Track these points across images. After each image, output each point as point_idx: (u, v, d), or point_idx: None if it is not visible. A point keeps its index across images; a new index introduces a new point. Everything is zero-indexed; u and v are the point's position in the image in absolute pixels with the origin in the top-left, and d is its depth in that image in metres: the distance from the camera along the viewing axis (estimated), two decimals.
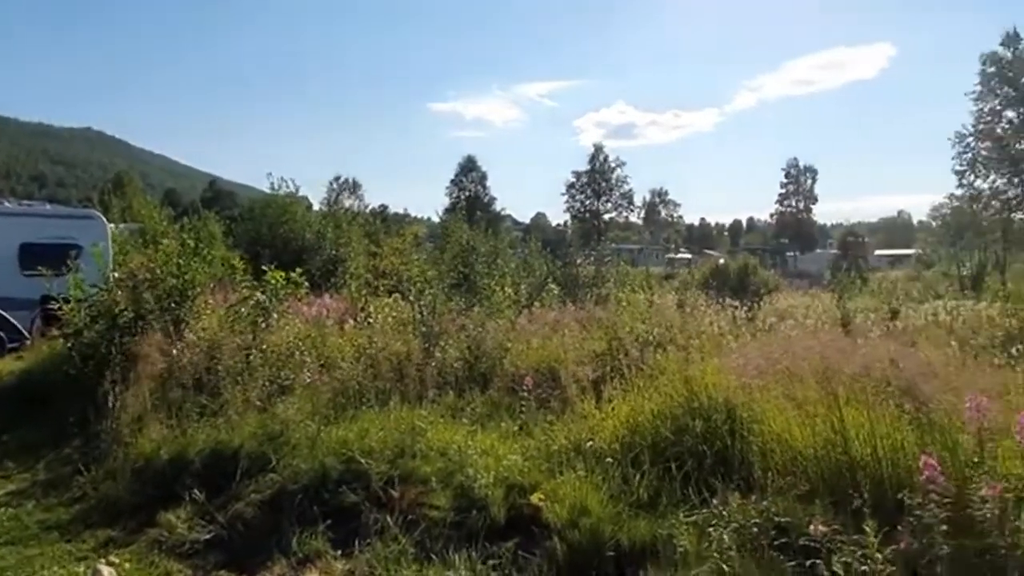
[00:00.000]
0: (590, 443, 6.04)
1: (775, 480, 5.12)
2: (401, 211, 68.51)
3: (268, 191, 23.06)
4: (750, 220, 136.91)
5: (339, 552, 5.49)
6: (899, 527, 4.18)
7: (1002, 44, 45.57)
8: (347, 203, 58.53)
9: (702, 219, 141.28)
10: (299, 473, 6.32)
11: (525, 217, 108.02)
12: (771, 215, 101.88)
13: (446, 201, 75.43)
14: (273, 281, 9.89)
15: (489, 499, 5.52)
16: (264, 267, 10.23)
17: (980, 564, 3.90)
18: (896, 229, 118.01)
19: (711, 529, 4.52)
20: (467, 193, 76.63)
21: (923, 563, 3.99)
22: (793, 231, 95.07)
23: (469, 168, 78.22)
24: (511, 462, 5.92)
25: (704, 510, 4.80)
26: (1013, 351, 9.85)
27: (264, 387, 7.89)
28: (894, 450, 4.92)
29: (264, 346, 8.68)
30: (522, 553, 5.03)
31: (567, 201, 79.57)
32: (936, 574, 3.91)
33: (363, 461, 6.20)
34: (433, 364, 8.28)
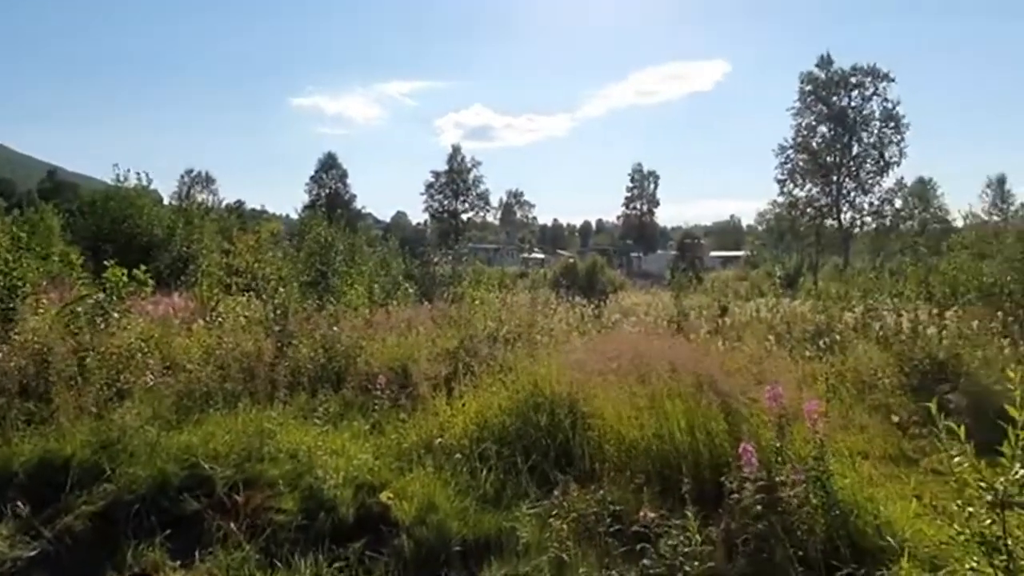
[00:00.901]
0: (440, 440, 6.19)
1: (611, 470, 5.50)
2: (258, 207, 65.87)
3: (113, 183, 21.61)
4: (599, 222, 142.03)
5: (178, 563, 5.29)
6: (720, 509, 4.63)
7: (817, 65, 49.97)
8: (200, 198, 55.47)
9: (555, 220, 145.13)
10: (136, 482, 6.03)
11: (386, 216, 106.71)
12: (618, 217, 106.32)
13: (305, 198, 73.42)
14: (113, 279, 9.34)
15: (338, 500, 5.53)
16: (106, 264, 9.65)
17: (786, 540, 4.38)
18: (728, 232, 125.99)
19: (552, 519, 4.78)
20: (327, 190, 74.77)
21: (739, 541, 4.45)
22: (638, 232, 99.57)
23: (329, 165, 76.33)
24: (362, 461, 5.96)
25: (546, 501, 5.07)
26: (820, 344, 10.98)
27: (100, 392, 7.45)
28: (710, 439, 5.40)
29: (102, 348, 8.19)
30: (370, 553, 5.08)
31: (426, 200, 79.43)
32: (750, 551, 4.37)
33: (207, 466, 6.03)
34: (285, 364, 8.14)
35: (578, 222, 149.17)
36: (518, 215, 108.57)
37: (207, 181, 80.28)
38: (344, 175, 76.79)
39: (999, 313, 11.50)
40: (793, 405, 5.25)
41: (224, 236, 22.42)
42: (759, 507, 4.33)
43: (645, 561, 4.11)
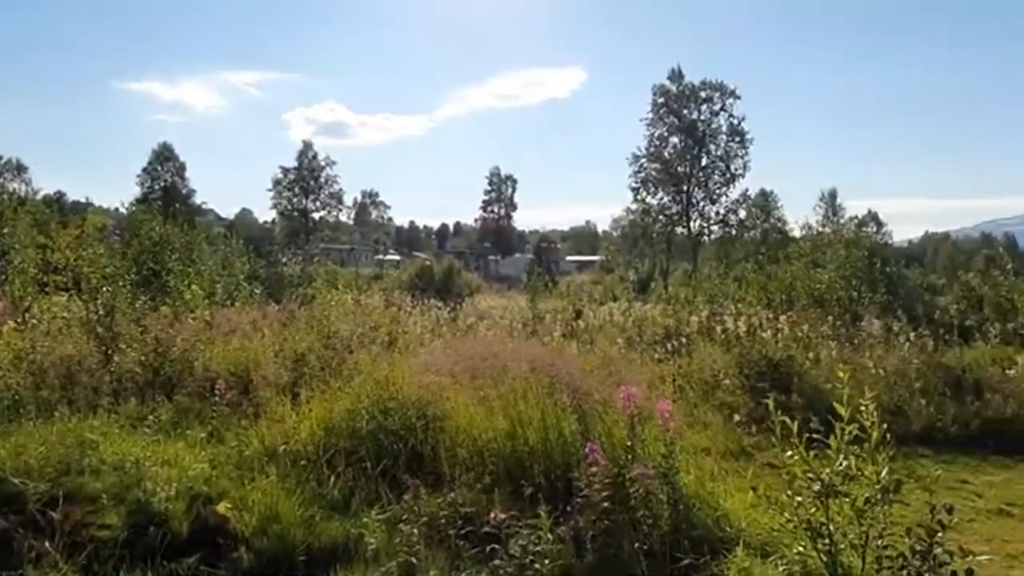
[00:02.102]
0: (285, 447, 5.89)
1: (463, 472, 5.42)
2: (82, 199, 60.86)
3: None
4: (457, 224, 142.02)
5: None
6: (569, 507, 4.65)
7: (669, 79, 52.38)
8: (11, 187, 50.65)
9: (412, 222, 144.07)
10: None
11: (230, 212, 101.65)
12: (475, 220, 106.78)
13: (137, 191, 68.56)
14: None
15: (170, 513, 5.13)
16: None
17: (633, 534, 4.45)
18: (584, 237, 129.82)
19: (402, 524, 4.64)
20: (162, 183, 70.15)
21: (588, 537, 4.48)
22: (495, 236, 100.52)
23: (165, 156, 71.53)
24: (197, 471, 5.56)
25: (396, 506, 4.92)
26: (669, 346, 11.43)
27: None
28: (562, 439, 5.44)
29: None
30: (205, 567, 4.74)
31: (274, 198, 76.24)
32: (599, 546, 4.40)
33: (17, 482, 5.42)
34: (111, 369, 7.51)
35: (435, 224, 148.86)
36: (373, 216, 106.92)
37: (18, 169, 73.23)
38: (182, 167, 72.17)
39: (829, 317, 12.40)
40: (643, 405, 5.37)
41: (41, 230, 20.52)
42: (607, 503, 4.38)
43: (495, 561, 4.05)
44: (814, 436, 4.02)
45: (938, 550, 3.68)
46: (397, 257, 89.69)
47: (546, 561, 3.94)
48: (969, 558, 3.68)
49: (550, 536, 4.10)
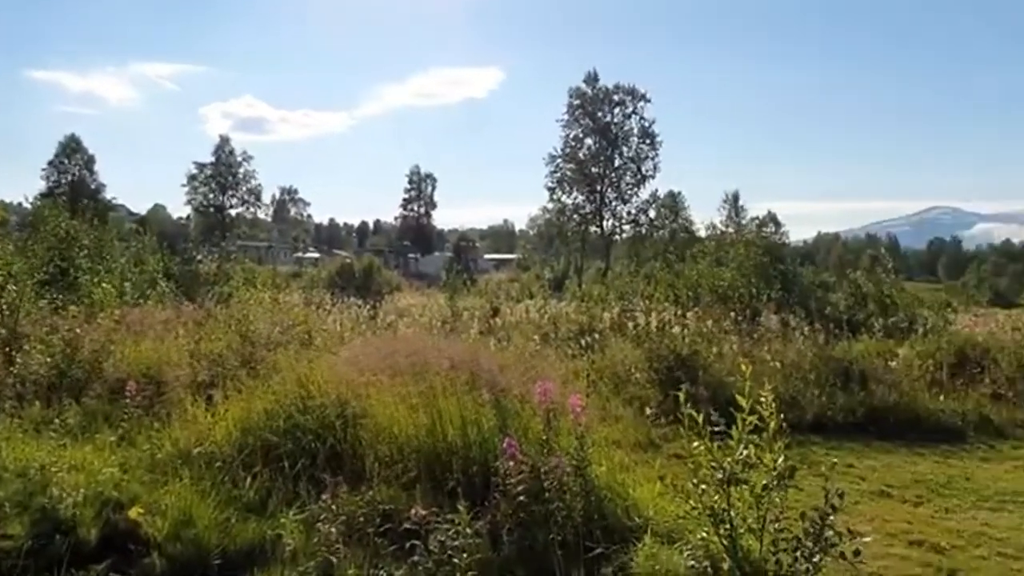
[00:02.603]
0: (199, 449, 5.82)
1: (383, 470, 5.49)
2: None
3: None
4: (377, 222, 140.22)
5: None
6: (487, 502, 4.79)
7: (585, 81, 53.29)
8: None
9: (331, 219, 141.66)
10: None
11: (142, 208, 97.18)
12: (396, 218, 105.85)
13: (42, 185, 64.89)
14: None
15: (78, 520, 5.00)
16: None
17: (549, 526, 4.62)
18: (502, 235, 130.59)
19: (320, 524, 4.67)
20: (70, 177, 66.62)
21: (505, 530, 4.63)
22: (415, 234, 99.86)
23: (73, 149, 67.88)
24: (107, 476, 5.44)
25: (314, 506, 4.94)
26: (583, 342, 11.74)
27: None
28: (481, 434, 5.58)
29: None
30: (115, 575, 4.67)
31: (189, 193, 73.56)
32: (515, 539, 4.56)
33: None
34: (13, 372, 7.21)
35: (355, 222, 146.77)
36: (292, 213, 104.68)
37: None
38: (91, 161, 68.86)
39: (731, 313, 12.97)
40: (558, 399, 5.55)
41: None
42: (524, 497, 4.54)
43: (414, 558, 4.14)
44: (716, 427, 4.27)
45: (829, 532, 3.99)
46: (317, 255, 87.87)
47: (464, 555, 4.06)
48: (856, 539, 4.00)
49: (468, 531, 4.21)
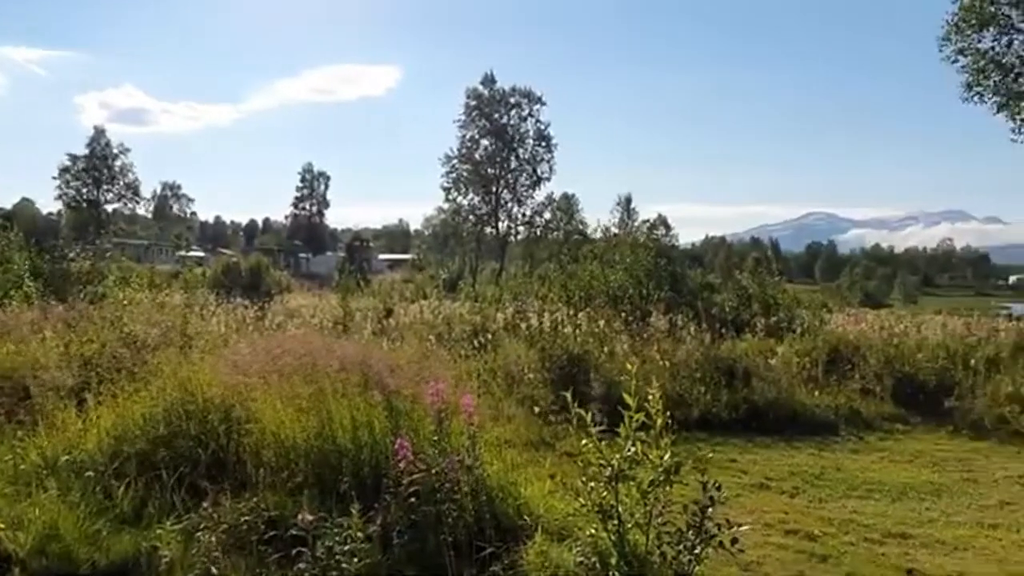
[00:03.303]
0: (68, 457, 5.46)
1: (269, 476, 5.30)
2: None
3: None
4: (266, 221, 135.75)
5: None
6: (378, 504, 4.70)
7: (482, 83, 53.48)
8: None
9: (217, 217, 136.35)
10: None
11: (7, 202, 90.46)
12: (286, 217, 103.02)
13: None
14: None
15: None
16: None
17: (439, 527, 4.58)
18: (397, 236, 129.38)
19: (200, 534, 4.47)
20: None
21: (396, 532, 4.56)
22: (307, 233, 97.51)
23: None
24: None
25: (194, 515, 4.73)
26: (476, 343, 11.75)
27: None
28: (372, 436, 5.48)
29: None
30: None
31: (60, 187, 69.11)
32: (406, 541, 4.50)
33: None
34: None
35: (243, 220, 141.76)
36: (174, 209, 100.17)
37: None
38: None
39: (622, 313, 13.28)
40: (451, 400, 5.52)
41: None
42: (415, 498, 4.48)
43: (300, 565, 4.02)
44: (601, 425, 4.34)
45: (709, 524, 4.13)
46: (201, 254, 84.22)
47: (354, 560, 3.98)
48: (733, 529, 4.16)
49: (359, 535, 4.13)
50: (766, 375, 10.24)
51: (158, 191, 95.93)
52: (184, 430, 5.65)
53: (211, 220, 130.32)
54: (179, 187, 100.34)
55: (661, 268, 15.39)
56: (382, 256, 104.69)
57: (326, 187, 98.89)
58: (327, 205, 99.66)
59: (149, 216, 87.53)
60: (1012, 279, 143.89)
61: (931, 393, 10.31)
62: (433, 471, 4.65)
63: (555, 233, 54.09)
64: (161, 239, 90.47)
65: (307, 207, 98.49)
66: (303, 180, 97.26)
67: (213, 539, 4.35)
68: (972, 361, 10.91)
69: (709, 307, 14.19)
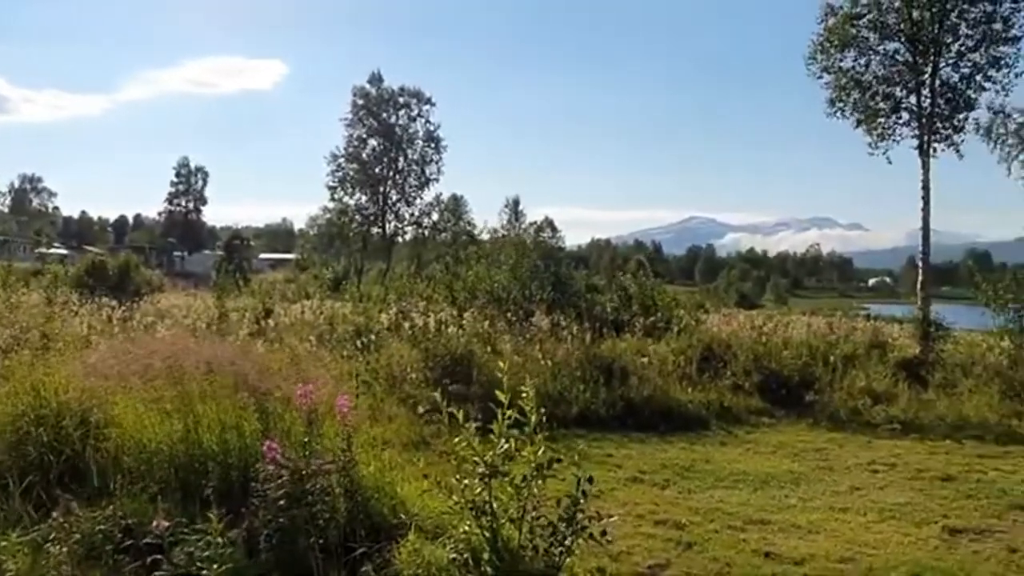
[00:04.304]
0: None
1: (129, 482, 5.03)
2: None
3: None
4: (138, 217, 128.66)
5: None
6: (245, 509, 4.54)
7: (369, 82, 52.70)
8: None
9: (83, 212, 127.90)
10: None
11: None
12: (160, 213, 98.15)
13: None
14: None
15: None
16: None
17: (308, 529, 4.48)
18: (280, 235, 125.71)
19: (50, 545, 4.19)
20: None
21: (264, 536, 4.42)
22: (182, 231, 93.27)
23: None
24: None
25: (43, 525, 4.43)
26: (359, 343, 11.59)
27: None
28: (242, 439, 5.30)
29: None
30: None
31: None
32: (273, 545, 4.37)
33: None
34: None
35: (113, 216, 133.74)
36: (35, 204, 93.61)
37: None
38: None
39: (507, 314, 13.42)
40: (329, 401, 5.42)
41: None
42: (283, 501, 4.36)
43: (157, 573, 3.84)
44: (478, 422, 4.36)
45: (580, 516, 4.22)
46: (64, 251, 78.93)
47: (214, 566, 3.83)
48: (604, 521, 4.27)
49: (220, 540, 3.98)
50: (643, 373, 10.59)
51: (16, 184, 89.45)
52: (35, 436, 5.28)
53: (76, 215, 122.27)
54: (40, 180, 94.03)
55: (543, 270, 15.63)
56: (264, 255, 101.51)
57: (204, 183, 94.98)
58: (205, 202, 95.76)
59: (6, 211, 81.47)
60: (871, 282, 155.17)
61: (794, 388, 10.94)
62: (304, 473, 4.54)
63: (443, 234, 53.99)
64: (19, 235, 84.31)
65: (183, 203, 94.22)
66: (179, 175, 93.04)
67: (64, 550, 4.08)
68: (831, 358, 11.66)
69: (592, 307, 14.53)
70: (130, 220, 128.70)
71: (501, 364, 4.50)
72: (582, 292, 15.69)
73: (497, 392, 4.33)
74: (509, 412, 4.29)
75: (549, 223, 77.07)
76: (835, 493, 7.12)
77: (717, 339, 12.64)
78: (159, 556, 3.81)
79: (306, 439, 4.86)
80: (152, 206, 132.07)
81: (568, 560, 4.29)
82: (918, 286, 16.21)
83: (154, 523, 3.89)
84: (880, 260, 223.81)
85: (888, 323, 18.14)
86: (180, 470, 5.14)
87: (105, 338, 9.81)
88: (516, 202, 75.18)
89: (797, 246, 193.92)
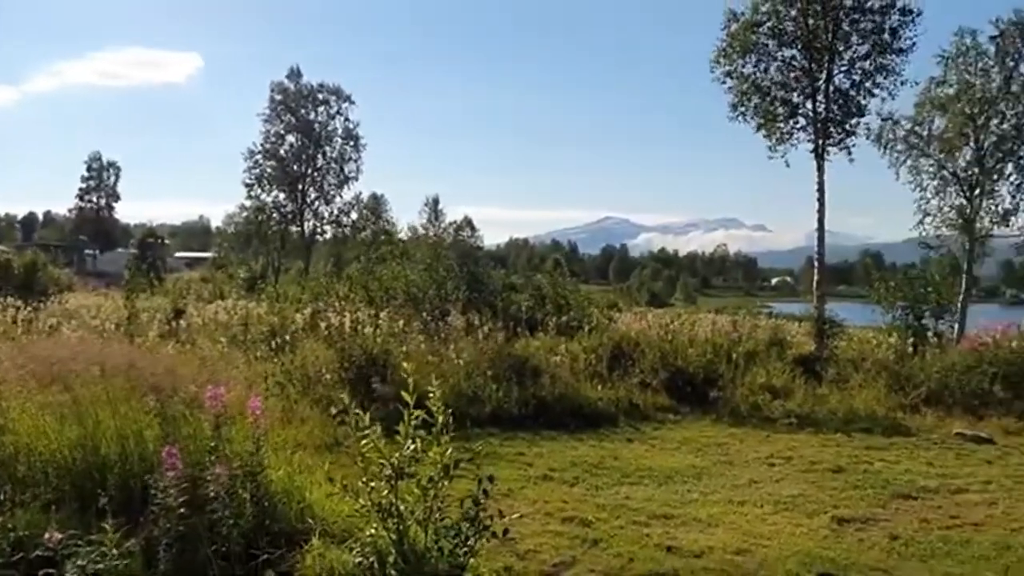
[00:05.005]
0: None
1: (20, 492, 4.86)
2: None
3: None
4: (48, 214, 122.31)
5: None
6: (144, 518, 4.46)
7: (287, 77, 51.56)
8: None
9: None
10: None
11: None
12: (70, 210, 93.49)
13: None
14: None
15: None
16: None
17: (209, 536, 4.44)
18: (196, 233, 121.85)
19: None
20: None
21: (163, 545, 4.35)
22: (94, 228, 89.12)
23: None
24: None
25: None
26: (274, 344, 11.43)
27: None
28: (143, 445, 5.20)
29: None
30: None
31: None
32: (173, 554, 4.31)
33: None
34: None
35: (21, 212, 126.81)
36: None
37: None
38: None
39: (423, 313, 13.43)
40: (241, 403, 5.36)
41: None
42: (184, 509, 4.31)
43: None
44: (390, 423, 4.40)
45: (482, 516, 4.32)
46: None
47: None
48: (506, 519, 4.38)
49: (115, 551, 3.91)
50: (555, 372, 10.77)
51: None
52: None
53: None
54: None
55: (460, 269, 15.68)
56: (180, 254, 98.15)
57: (116, 178, 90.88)
58: (117, 198, 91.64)
59: None
60: (774, 281, 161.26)
61: (699, 385, 11.33)
62: (207, 479, 4.50)
63: (363, 233, 53.28)
64: None
65: (95, 200, 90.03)
66: (90, 170, 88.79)
67: None
68: (734, 355, 12.10)
69: (508, 307, 14.67)
70: (40, 217, 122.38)
71: (406, 365, 4.55)
72: (499, 291, 15.81)
73: (402, 393, 4.39)
74: (417, 412, 4.34)
75: (468, 222, 77.12)
76: (734, 487, 7.43)
77: (627, 337, 12.92)
78: (51, 570, 3.72)
79: (212, 444, 4.80)
80: (63, 202, 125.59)
81: (473, 560, 4.38)
82: (814, 285, 17.04)
83: (47, 535, 3.80)
84: (782, 260, 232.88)
85: (788, 321, 18.90)
86: (76, 478, 5.00)
87: (6, 340, 9.43)
88: (436, 201, 74.84)
89: (706, 246, 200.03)
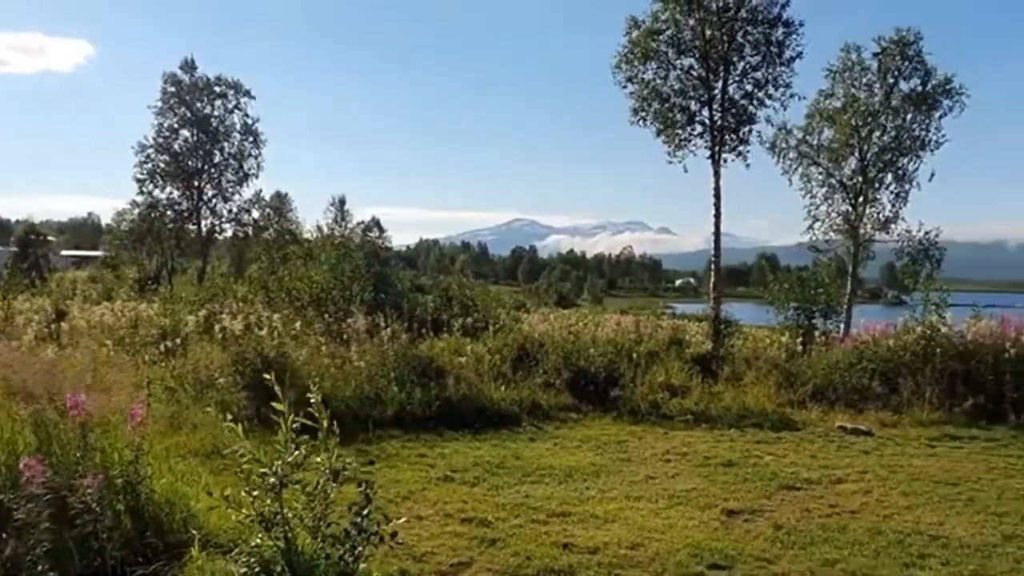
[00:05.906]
0: None
1: None
2: None
3: None
4: None
5: None
6: (5, 534, 4.16)
7: (181, 68, 49.48)
8: None
9: None
10: None
11: None
12: None
13: None
14: None
15: None
16: None
17: (82, 551, 4.19)
18: (86, 231, 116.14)
19: None
20: None
21: (28, 564, 4.07)
22: None
23: None
24: None
25: None
26: (164, 347, 10.96)
27: None
28: (13, 455, 4.87)
29: None
30: None
31: None
32: (36, 572, 4.03)
33: None
34: None
35: None
36: None
37: None
38: None
39: (325, 315, 13.14)
40: (124, 410, 5.10)
41: None
42: (50, 523, 4.04)
43: None
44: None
45: (368, 521, 4.22)
46: None
47: None
48: (393, 523, 4.30)
49: None
50: (459, 372, 10.73)
51: None
52: None
53: None
54: None
55: (365, 270, 15.45)
56: (67, 252, 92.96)
57: None
58: None
59: None
60: (678, 282, 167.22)
61: (601, 384, 11.49)
62: (77, 491, 4.23)
63: (267, 232, 51.73)
64: None
65: None
66: None
67: None
68: (635, 355, 12.36)
69: (414, 308, 14.55)
70: None
71: (295, 367, 4.43)
72: (405, 292, 15.67)
73: (273, 403, 4.26)
74: (298, 420, 4.23)
75: (376, 223, 76.29)
76: (632, 483, 7.57)
77: (531, 338, 13.01)
78: None
79: (79, 454, 4.53)
80: None
81: (364, 566, 4.29)
82: (711, 287, 17.65)
83: None
84: (685, 262, 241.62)
85: (689, 321, 19.48)
86: None
87: None
88: (342, 201, 73.48)
89: (613, 248, 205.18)
